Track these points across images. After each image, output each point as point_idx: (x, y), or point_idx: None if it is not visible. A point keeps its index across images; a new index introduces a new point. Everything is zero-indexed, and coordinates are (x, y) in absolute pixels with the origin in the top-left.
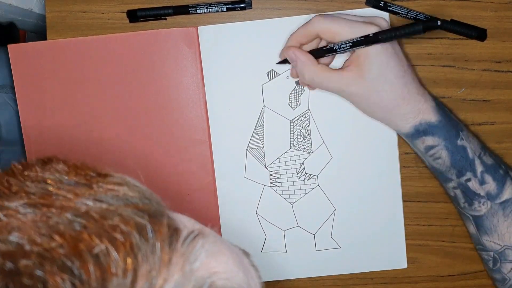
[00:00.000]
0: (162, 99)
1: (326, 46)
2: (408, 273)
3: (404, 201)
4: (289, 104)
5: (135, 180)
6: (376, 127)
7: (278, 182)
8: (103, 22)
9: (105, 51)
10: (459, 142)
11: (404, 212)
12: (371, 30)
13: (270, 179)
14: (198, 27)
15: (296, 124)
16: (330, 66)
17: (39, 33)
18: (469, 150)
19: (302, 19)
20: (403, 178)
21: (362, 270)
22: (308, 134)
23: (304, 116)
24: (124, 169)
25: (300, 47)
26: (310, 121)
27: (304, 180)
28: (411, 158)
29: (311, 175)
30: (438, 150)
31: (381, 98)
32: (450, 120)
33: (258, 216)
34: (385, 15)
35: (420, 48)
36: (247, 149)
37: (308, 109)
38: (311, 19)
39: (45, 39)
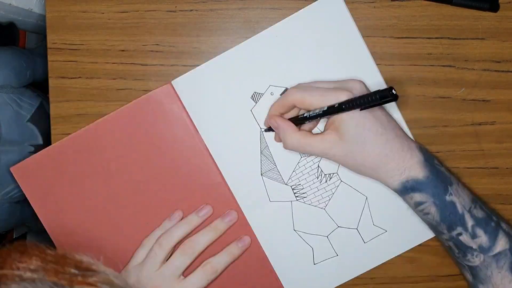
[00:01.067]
0: (165, 161)
1: (302, 114)
2: (408, 273)
3: None
4: None
5: (119, 276)
6: None
7: (303, 193)
8: (103, 22)
9: (98, 139)
10: (447, 197)
11: None
12: (341, 98)
13: (295, 193)
14: (172, 82)
15: None
16: (316, 129)
17: (39, 33)
18: (459, 205)
19: (260, 37)
20: None
21: (411, 246)
22: None
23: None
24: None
25: (282, 115)
26: None
27: (326, 181)
28: None
29: (331, 174)
30: (427, 206)
31: (363, 158)
32: (439, 175)
33: (297, 232)
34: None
35: (420, 48)
36: (261, 175)
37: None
38: (287, 90)
39: (45, 39)
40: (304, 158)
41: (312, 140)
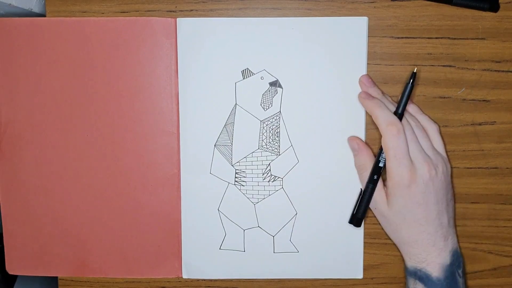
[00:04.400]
0: (134, 87)
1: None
2: None
3: None
4: (261, 105)
5: None
6: (344, 136)
7: (243, 181)
8: None
9: (80, 34)
10: None
11: None
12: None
13: (236, 177)
14: (177, 19)
15: (266, 125)
16: None
17: None
18: None
19: (278, 21)
20: None
21: (318, 276)
22: (277, 136)
23: (275, 118)
24: (90, 153)
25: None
26: (280, 124)
27: (269, 181)
28: None
29: (276, 177)
30: None
31: (396, 231)
32: (451, 284)
33: (220, 213)
34: None
35: (420, 48)
36: (215, 145)
37: (280, 111)
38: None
39: None
40: (260, 151)
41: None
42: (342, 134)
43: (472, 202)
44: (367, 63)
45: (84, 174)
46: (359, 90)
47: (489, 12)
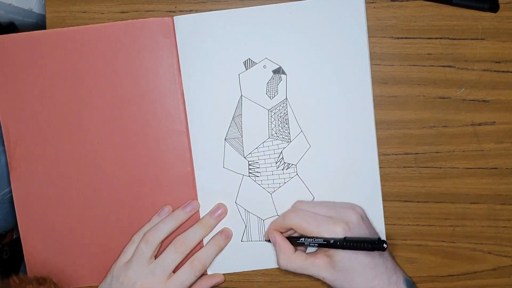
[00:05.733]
0: (138, 90)
1: (301, 239)
2: (408, 273)
3: (404, 201)
4: (266, 94)
5: None
6: (353, 115)
7: (257, 172)
8: (103, 22)
9: (80, 42)
10: None
11: (404, 212)
12: (336, 230)
13: (249, 169)
14: (174, 17)
15: (274, 113)
16: None
17: None
18: None
19: (275, 7)
20: (403, 179)
21: None
22: (286, 124)
23: (282, 105)
24: (102, 160)
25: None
26: (288, 111)
27: (283, 169)
28: (410, 159)
29: (290, 164)
30: None
31: (351, 286)
32: None
33: (238, 205)
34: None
35: (420, 48)
36: (225, 139)
37: (286, 98)
38: (285, 213)
39: None
40: (270, 140)
41: (304, 263)
42: (350, 113)
43: (472, 202)
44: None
45: (97, 182)
46: (364, 68)
47: (489, 13)
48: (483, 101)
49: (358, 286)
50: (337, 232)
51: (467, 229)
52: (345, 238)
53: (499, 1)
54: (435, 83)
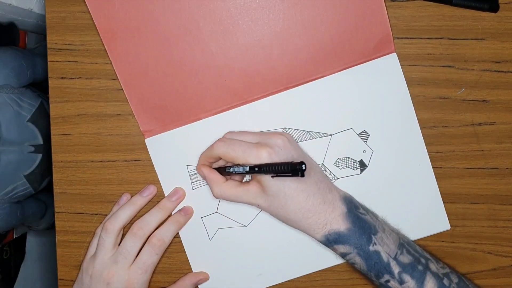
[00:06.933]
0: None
1: (229, 167)
2: None
3: None
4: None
5: None
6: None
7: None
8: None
9: None
10: (371, 247)
11: None
12: (262, 155)
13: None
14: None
15: None
16: None
17: (39, 33)
18: (383, 254)
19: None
20: None
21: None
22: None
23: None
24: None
25: (211, 164)
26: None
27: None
28: None
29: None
30: (352, 257)
31: (285, 211)
32: (362, 225)
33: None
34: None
35: (420, 48)
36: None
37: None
38: (213, 143)
39: (45, 39)
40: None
41: (237, 190)
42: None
43: (472, 203)
44: None
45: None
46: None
47: (488, 13)
48: (483, 101)
49: (291, 209)
50: (262, 156)
51: (466, 229)
52: (266, 164)
53: (499, 1)
54: (435, 83)
